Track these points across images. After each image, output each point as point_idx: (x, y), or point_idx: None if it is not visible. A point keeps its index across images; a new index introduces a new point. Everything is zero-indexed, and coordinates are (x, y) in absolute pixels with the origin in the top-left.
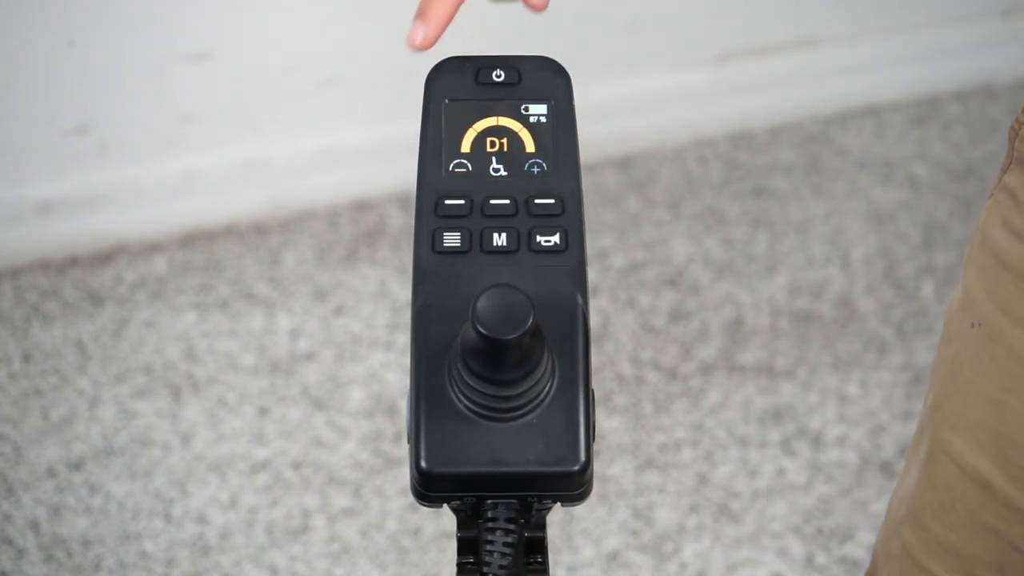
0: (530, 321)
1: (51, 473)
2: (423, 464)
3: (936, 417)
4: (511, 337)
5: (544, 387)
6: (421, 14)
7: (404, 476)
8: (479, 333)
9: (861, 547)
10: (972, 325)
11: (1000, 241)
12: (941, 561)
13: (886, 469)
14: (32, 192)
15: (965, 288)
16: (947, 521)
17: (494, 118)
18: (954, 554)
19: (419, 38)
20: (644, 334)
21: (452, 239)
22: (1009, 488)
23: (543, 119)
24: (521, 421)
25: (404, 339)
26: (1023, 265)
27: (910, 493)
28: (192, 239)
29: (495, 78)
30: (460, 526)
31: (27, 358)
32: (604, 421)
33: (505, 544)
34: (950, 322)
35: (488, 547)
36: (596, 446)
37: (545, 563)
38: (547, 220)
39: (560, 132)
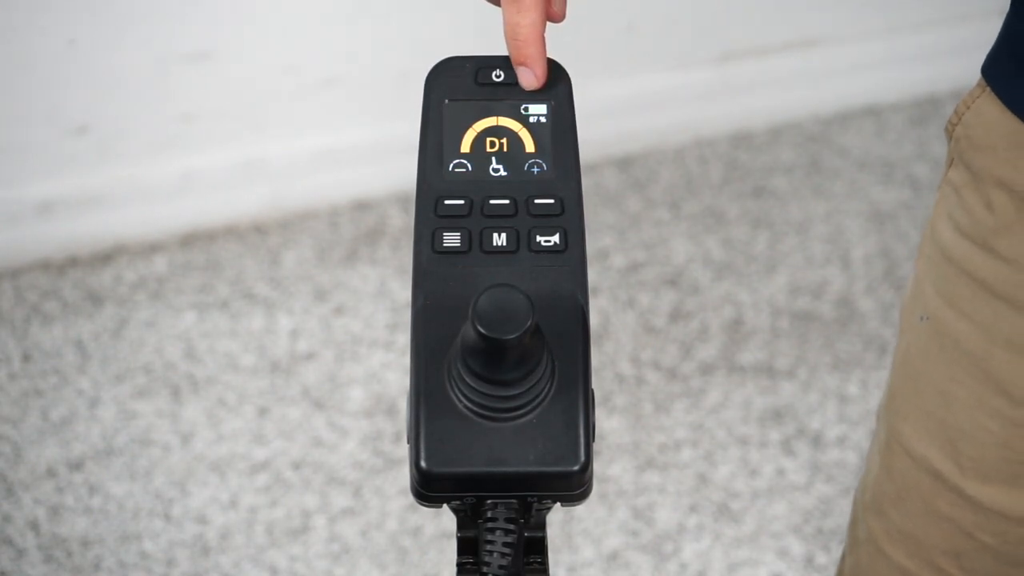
0: (530, 321)
1: (51, 473)
2: (423, 464)
3: (891, 408)
4: (511, 337)
5: (544, 387)
6: (519, 60)
7: (404, 476)
8: (479, 333)
9: None
10: (921, 318)
11: (945, 235)
12: (902, 548)
13: None
14: (32, 192)
15: (916, 280)
16: (904, 510)
17: (494, 118)
18: (913, 541)
19: (532, 82)
20: (644, 334)
21: (452, 239)
22: (959, 477)
23: (543, 119)
24: (521, 421)
25: (404, 339)
26: (965, 260)
27: (872, 481)
28: (192, 239)
29: (495, 78)
30: (460, 526)
31: (27, 358)
32: (604, 421)
33: (505, 544)
34: (903, 314)
35: (488, 547)
36: (596, 446)
37: (545, 563)
38: (547, 220)
39: (560, 132)
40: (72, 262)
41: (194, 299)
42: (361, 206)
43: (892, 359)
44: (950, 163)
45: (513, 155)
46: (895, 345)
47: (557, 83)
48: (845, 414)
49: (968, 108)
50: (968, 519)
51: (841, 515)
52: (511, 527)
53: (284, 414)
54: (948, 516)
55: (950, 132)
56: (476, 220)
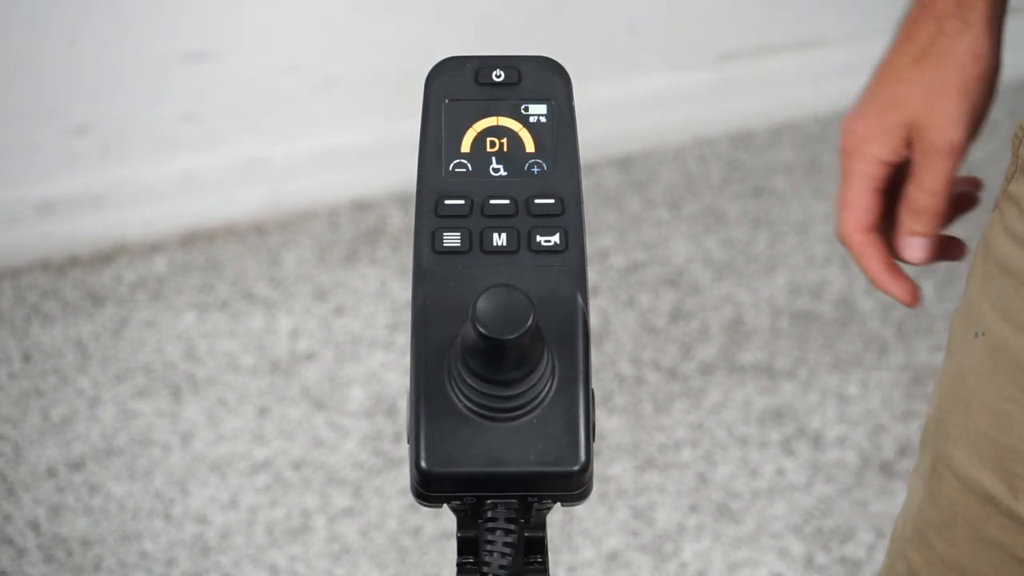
0: (530, 321)
1: (51, 473)
2: (423, 464)
3: (939, 431)
4: (511, 337)
5: (544, 387)
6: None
7: (404, 476)
8: (479, 333)
9: (861, 547)
10: (976, 335)
11: (1004, 248)
12: None
13: (886, 469)
14: (32, 192)
15: (968, 299)
16: (950, 537)
17: (494, 118)
18: (958, 571)
19: (918, 253)
20: (644, 334)
21: (452, 239)
22: (1011, 500)
23: (543, 119)
24: (521, 421)
25: (404, 339)
26: None
27: (915, 511)
28: (192, 239)
29: (495, 78)
30: (460, 526)
31: (27, 358)
32: (604, 421)
33: (505, 544)
34: (953, 335)
35: (488, 547)
36: (596, 446)
37: (545, 563)
38: (547, 220)
39: (560, 132)
40: (72, 262)
41: (194, 299)
42: (361, 206)
43: (937, 383)
44: (1010, 178)
45: (513, 155)
46: (941, 369)
47: (557, 83)
48: (845, 414)
49: None
50: (1019, 543)
51: (841, 515)
52: (511, 527)
53: (284, 414)
54: (998, 541)
55: (1020, 138)
56: (476, 220)
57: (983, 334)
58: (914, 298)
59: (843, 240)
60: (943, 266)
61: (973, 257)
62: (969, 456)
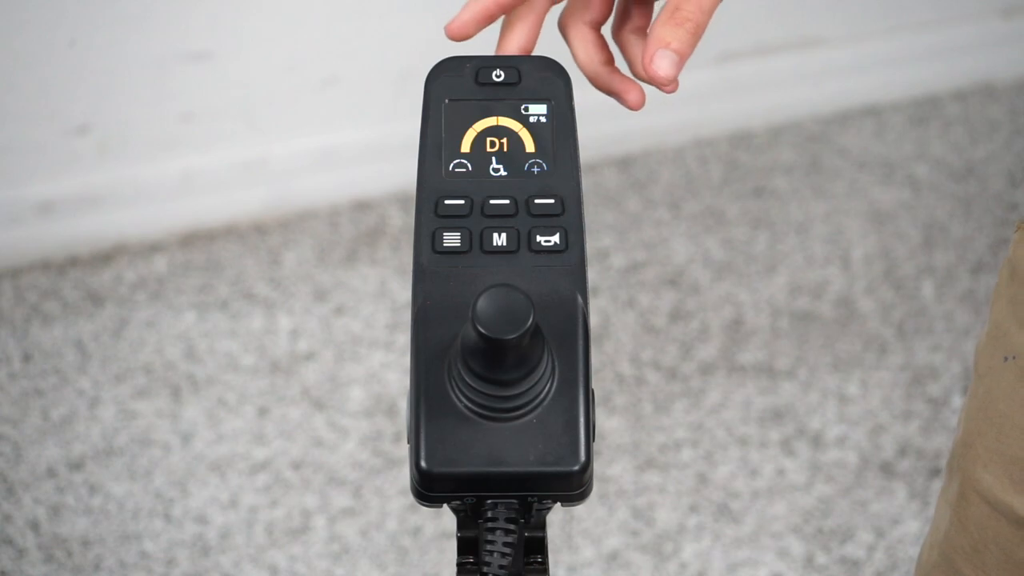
0: (530, 321)
1: (51, 473)
2: (423, 464)
3: (967, 455)
4: (511, 337)
5: (544, 387)
6: None
7: (404, 476)
8: (479, 333)
9: (861, 547)
10: (1005, 359)
11: None
12: None
13: (886, 469)
14: (32, 192)
15: (995, 322)
16: (980, 563)
17: (494, 118)
18: None
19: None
20: (644, 334)
21: (452, 239)
22: None
23: (543, 119)
24: (521, 421)
25: (404, 339)
26: None
27: (942, 537)
28: (192, 239)
29: (495, 78)
30: (460, 526)
31: (27, 358)
32: (604, 421)
33: (505, 544)
34: (980, 359)
35: (488, 547)
36: (596, 446)
37: (545, 563)
38: (547, 220)
39: (560, 132)
40: (72, 262)
41: (194, 299)
42: (361, 206)
43: (964, 408)
44: None
45: (513, 155)
46: (967, 396)
47: (557, 83)
48: (845, 414)
49: None
50: None
51: (841, 515)
52: (511, 527)
53: (284, 414)
54: None
55: None
56: (476, 220)
57: (1013, 357)
58: (641, 97)
59: (562, 28)
60: (943, 265)
61: (998, 279)
62: (1000, 480)
